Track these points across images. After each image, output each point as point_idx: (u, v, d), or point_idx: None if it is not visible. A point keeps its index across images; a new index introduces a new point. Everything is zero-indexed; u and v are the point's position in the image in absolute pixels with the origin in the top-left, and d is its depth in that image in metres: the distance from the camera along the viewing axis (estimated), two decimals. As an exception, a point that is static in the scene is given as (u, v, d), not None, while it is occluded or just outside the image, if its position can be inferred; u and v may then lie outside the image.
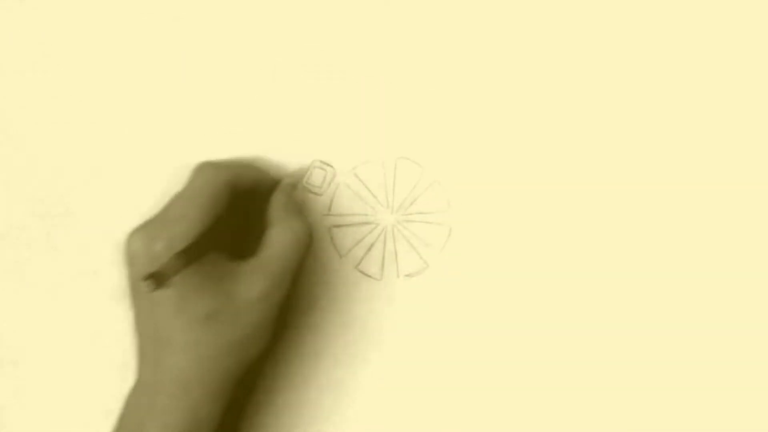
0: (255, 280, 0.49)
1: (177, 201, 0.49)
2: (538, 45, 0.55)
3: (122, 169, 0.55)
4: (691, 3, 0.54)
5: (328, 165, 0.55)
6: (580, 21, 0.55)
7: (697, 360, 0.54)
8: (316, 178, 0.55)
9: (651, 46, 0.55)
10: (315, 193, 0.55)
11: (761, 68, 0.54)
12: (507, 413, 0.54)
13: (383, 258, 0.55)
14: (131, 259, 0.48)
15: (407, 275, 0.55)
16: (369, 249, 0.55)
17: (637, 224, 0.54)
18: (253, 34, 0.55)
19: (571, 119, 0.54)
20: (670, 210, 0.54)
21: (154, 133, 0.55)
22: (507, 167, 0.55)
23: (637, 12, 0.55)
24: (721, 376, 0.54)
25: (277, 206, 0.52)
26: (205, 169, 0.50)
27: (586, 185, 0.54)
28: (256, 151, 0.55)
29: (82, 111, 0.55)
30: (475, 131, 0.55)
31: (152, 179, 0.55)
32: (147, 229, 0.48)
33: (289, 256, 0.50)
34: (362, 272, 0.55)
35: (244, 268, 0.49)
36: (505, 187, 0.55)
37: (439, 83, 0.55)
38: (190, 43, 0.55)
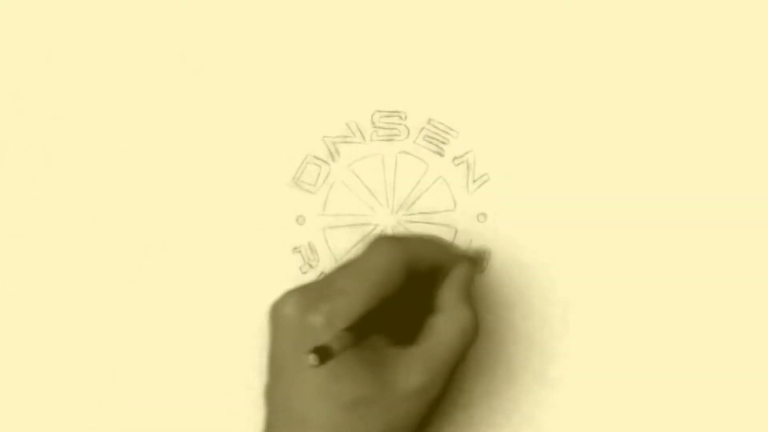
0: (414, 372, 0.46)
1: (345, 273, 0.47)
2: (539, 48, 0.55)
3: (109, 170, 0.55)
4: None
5: (322, 160, 0.54)
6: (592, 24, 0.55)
7: (698, 361, 0.54)
8: (309, 174, 0.54)
9: (652, 48, 0.55)
10: (308, 191, 0.54)
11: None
12: (515, 418, 0.54)
13: (383, 262, 0.56)
14: (281, 324, 0.46)
15: (409, 281, 0.56)
16: (367, 252, 0.56)
17: (645, 228, 0.54)
18: (242, 25, 0.55)
19: (579, 121, 0.55)
20: (673, 211, 0.54)
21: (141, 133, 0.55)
22: (511, 167, 0.55)
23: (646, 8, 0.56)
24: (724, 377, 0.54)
25: (448, 292, 0.49)
26: (382, 244, 0.48)
27: (596, 185, 0.54)
28: (248, 146, 0.54)
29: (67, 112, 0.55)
30: (477, 130, 0.55)
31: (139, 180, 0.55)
32: (305, 296, 0.46)
33: (454, 350, 0.47)
34: (359, 277, 0.55)
35: (404, 356, 0.47)
36: (510, 187, 0.55)
37: (440, 81, 0.55)
38: (168, 34, 0.55)
